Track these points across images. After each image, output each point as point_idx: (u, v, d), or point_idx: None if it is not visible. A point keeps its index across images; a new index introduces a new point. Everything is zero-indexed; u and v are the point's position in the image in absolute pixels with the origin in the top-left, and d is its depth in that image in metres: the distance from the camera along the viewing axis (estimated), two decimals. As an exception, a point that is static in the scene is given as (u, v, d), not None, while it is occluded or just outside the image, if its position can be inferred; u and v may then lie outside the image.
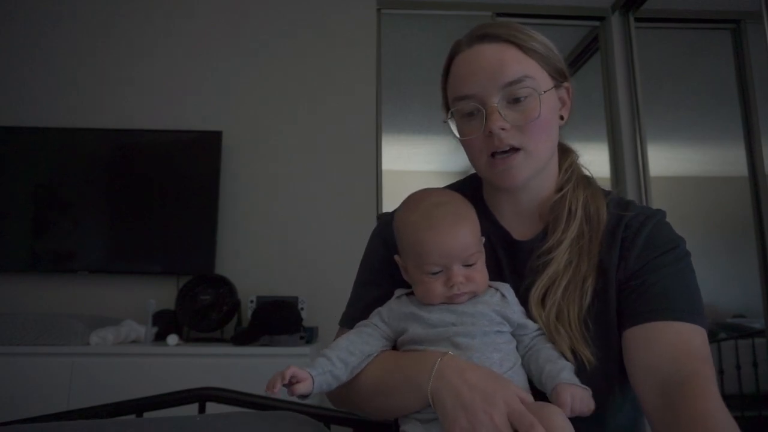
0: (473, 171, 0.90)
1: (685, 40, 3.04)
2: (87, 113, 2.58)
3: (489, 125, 0.76)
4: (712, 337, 2.88)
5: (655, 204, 2.64)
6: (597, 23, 2.90)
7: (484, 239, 0.81)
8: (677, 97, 3.07)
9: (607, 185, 2.99)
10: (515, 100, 0.77)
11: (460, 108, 0.80)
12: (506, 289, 0.79)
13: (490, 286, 0.79)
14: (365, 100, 2.67)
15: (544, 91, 0.78)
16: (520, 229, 0.86)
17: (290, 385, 0.68)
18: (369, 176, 2.61)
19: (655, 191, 2.66)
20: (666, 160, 3.02)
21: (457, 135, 0.82)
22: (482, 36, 0.80)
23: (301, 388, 0.68)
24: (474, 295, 0.76)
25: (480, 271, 0.76)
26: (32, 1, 2.67)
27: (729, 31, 2.78)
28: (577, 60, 3.07)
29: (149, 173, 2.50)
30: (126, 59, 2.66)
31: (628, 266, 0.78)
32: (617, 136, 2.74)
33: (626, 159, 2.70)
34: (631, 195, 2.66)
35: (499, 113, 0.76)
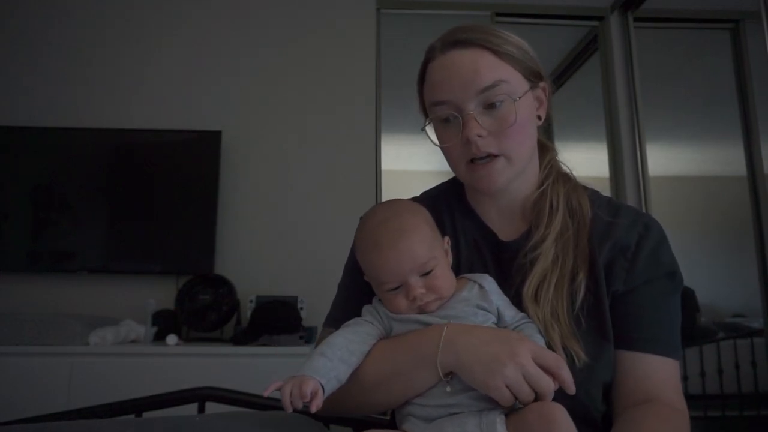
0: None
1: (684, 40, 3.04)
2: (87, 113, 2.58)
3: (466, 133, 0.77)
4: (712, 337, 2.88)
5: (654, 204, 2.64)
6: (596, 23, 2.90)
7: (447, 240, 0.81)
8: (676, 97, 3.07)
9: (606, 185, 2.99)
10: (491, 106, 0.77)
11: (437, 114, 0.80)
12: (484, 279, 0.78)
13: (468, 280, 0.79)
14: (365, 100, 2.67)
15: (519, 97, 0.78)
16: (505, 229, 0.86)
17: (310, 401, 0.66)
18: (368, 176, 2.61)
19: (654, 191, 2.66)
20: (665, 159, 3.02)
21: (435, 141, 0.82)
22: (455, 42, 0.79)
23: (318, 402, 0.67)
24: (441, 301, 0.75)
25: (441, 277, 0.75)
26: (32, 1, 2.67)
27: (728, 31, 2.78)
28: (576, 60, 3.06)
29: (148, 173, 2.50)
30: (126, 59, 2.66)
31: (627, 282, 0.78)
32: (616, 136, 2.74)
33: (625, 159, 2.70)
34: (630, 195, 2.66)
35: (476, 120, 0.76)
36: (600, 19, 2.87)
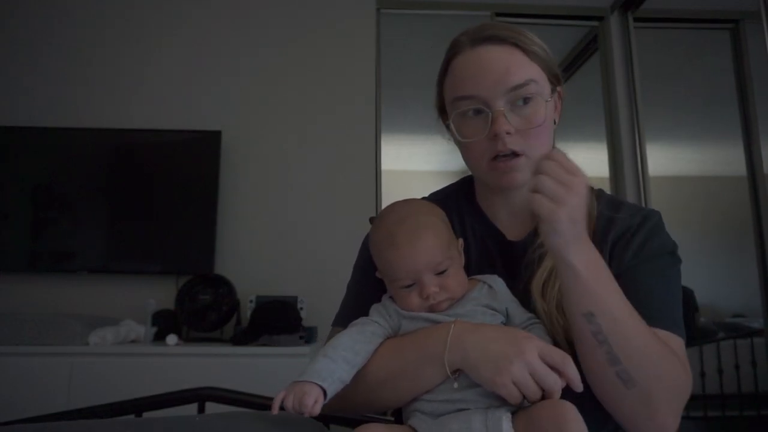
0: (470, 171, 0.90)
1: (684, 40, 3.05)
2: (87, 113, 2.58)
3: (495, 128, 0.77)
4: (712, 337, 2.88)
5: (654, 204, 2.64)
6: (596, 23, 2.90)
7: (461, 242, 0.82)
8: (676, 97, 3.07)
9: (606, 185, 2.99)
10: (520, 105, 0.78)
11: (462, 108, 0.80)
12: (493, 280, 0.80)
13: (478, 281, 0.80)
14: (365, 100, 2.67)
15: (549, 98, 0.79)
16: (513, 229, 0.87)
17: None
18: (368, 176, 2.61)
19: (654, 191, 2.66)
20: (665, 159, 3.02)
21: (458, 136, 0.81)
22: (487, 37, 0.79)
23: (318, 408, 0.68)
24: (452, 300, 0.76)
25: (454, 277, 0.76)
26: (32, 1, 2.67)
27: (728, 31, 2.78)
28: (576, 60, 3.07)
29: (148, 173, 2.50)
30: (126, 59, 2.66)
31: (622, 262, 0.79)
32: (616, 136, 2.74)
33: (625, 159, 2.70)
34: (630, 195, 2.66)
35: (505, 117, 0.76)
36: (600, 19, 2.87)
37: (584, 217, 0.69)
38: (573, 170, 0.66)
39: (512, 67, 0.77)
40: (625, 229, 0.81)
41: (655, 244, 0.80)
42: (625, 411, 0.70)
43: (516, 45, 0.79)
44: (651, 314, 0.74)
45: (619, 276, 0.77)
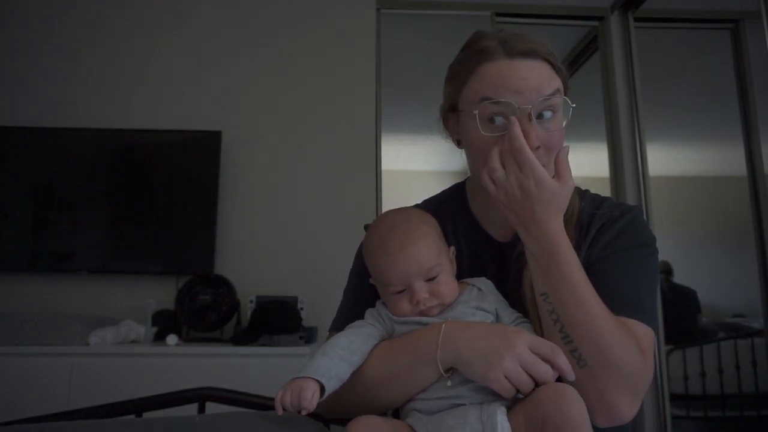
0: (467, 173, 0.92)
1: (684, 40, 3.05)
2: (87, 113, 2.58)
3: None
4: (712, 337, 2.88)
5: (654, 204, 2.64)
6: (596, 23, 2.90)
7: (453, 250, 0.84)
8: (676, 96, 3.07)
9: (606, 185, 2.97)
10: (544, 115, 0.78)
11: (489, 111, 0.78)
12: (482, 282, 0.82)
13: (467, 284, 0.82)
14: (365, 100, 2.67)
15: (573, 105, 0.81)
16: (505, 232, 0.89)
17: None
18: (368, 176, 2.61)
19: (655, 191, 2.66)
20: (665, 159, 3.03)
21: (481, 130, 0.78)
22: (524, 52, 0.79)
23: (315, 402, 0.69)
24: (442, 306, 0.78)
25: (444, 283, 0.78)
26: (32, 1, 2.67)
27: (728, 31, 2.78)
28: (576, 60, 3.07)
29: (148, 173, 2.50)
30: (126, 59, 2.66)
31: (595, 252, 0.81)
32: (616, 136, 2.74)
33: (625, 159, 2.70)
34: (630, 195, 2.66)
35: (533, 119, 0.76)
36: (600, 19, 2.87)
37: (553, 209, 0.74)
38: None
39: (545, 80, 0.79)
40: (604, 222, 0.84)
41: (629, 236, 0.82)
42: (579, 390, 0.71)
43: (547, 59, 0.80)
44: (619, 302, 0.75)
45: (591, 265, 0.80)
